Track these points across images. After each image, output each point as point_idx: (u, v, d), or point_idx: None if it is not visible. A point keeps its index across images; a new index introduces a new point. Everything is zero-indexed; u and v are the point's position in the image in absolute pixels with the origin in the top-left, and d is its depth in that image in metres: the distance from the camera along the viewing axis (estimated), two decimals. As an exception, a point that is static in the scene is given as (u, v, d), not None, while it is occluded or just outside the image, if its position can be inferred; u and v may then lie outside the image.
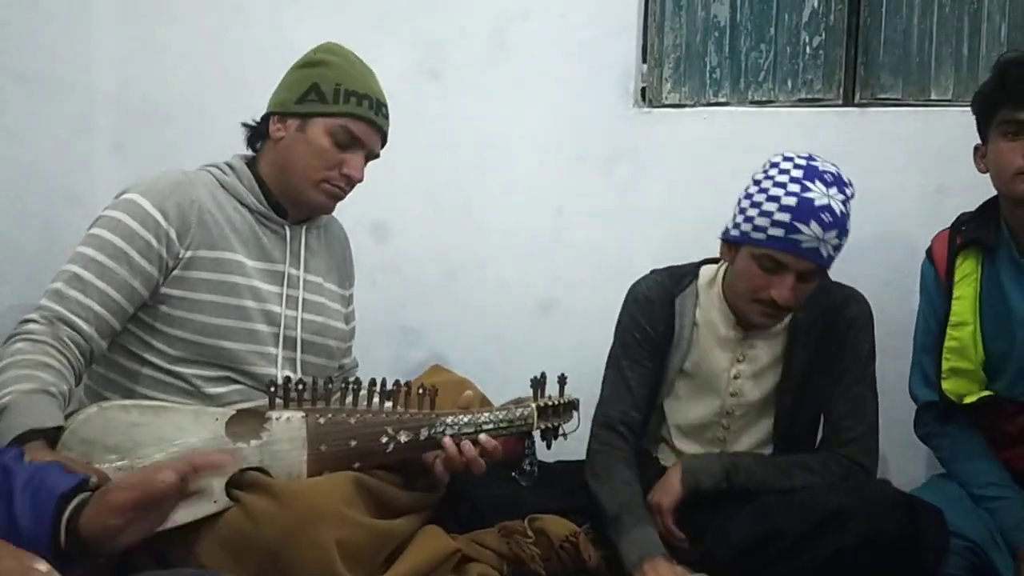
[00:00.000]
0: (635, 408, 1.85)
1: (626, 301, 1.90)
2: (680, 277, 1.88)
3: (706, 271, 1.89)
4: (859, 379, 1.81)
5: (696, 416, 1.87)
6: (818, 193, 1.64)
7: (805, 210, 1.63)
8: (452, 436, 1.58)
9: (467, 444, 1.58)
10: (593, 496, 1.77)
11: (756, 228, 1.67)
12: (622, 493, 1.74)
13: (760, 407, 1.85)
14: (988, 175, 1.80)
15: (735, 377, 1.84)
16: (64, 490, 1.21)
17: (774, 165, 1.72)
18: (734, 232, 1.73)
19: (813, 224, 1.63)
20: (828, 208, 1.64)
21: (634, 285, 1.91)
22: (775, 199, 1.66)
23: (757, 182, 1.72)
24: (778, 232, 1.65)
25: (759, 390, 1.84)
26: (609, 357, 1.91)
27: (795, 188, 1.65)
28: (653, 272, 1.92)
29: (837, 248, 1.69)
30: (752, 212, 1.68)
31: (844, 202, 1.67)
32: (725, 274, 1.84)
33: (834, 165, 1.72)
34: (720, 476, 1.74)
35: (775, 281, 1.68)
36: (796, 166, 1.69)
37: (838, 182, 1.68)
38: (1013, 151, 1.72)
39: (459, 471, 1.60)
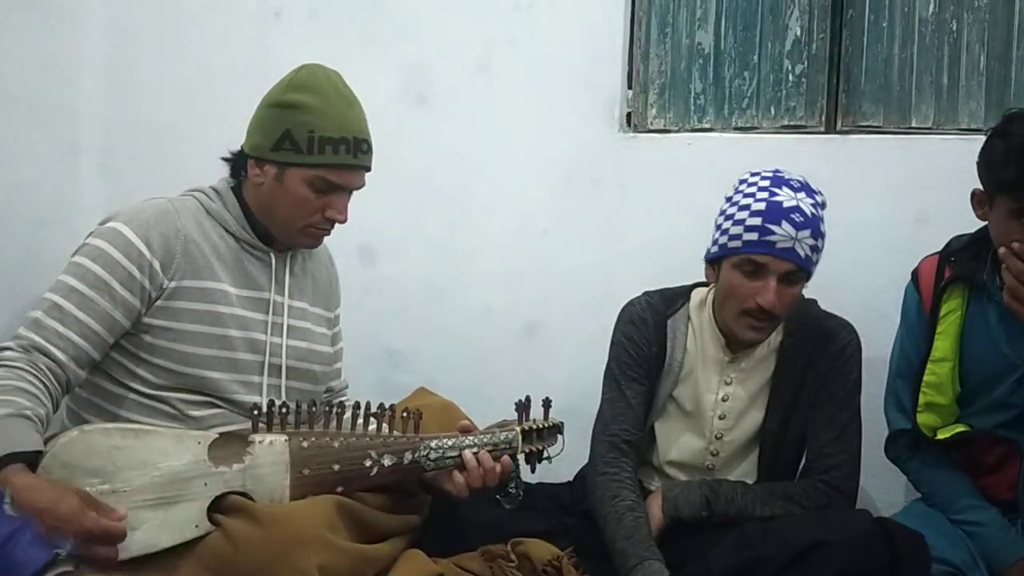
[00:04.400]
0: (636, 426, 1.84)
1: (620, 320, 1.90)
2: (672, 299, 1.90)
3: (697, 294, 1.90)
4: (845, 407, 1.81)
5: (684, 442, 1.86)
6: (786, 196, 1.70)
7: (775, 211, 1.68)
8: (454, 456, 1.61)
9: (484, 455, 1.61)
10: (598, 520, 1.75)
11: (732, 237, 1.72)
12: (626, 521, 1.71)
13: (748, 431, 1.85)
14: (967, 198, 1.74)
15: (723, 399, 1.84)
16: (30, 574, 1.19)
17: (742, 181, 1.79)
18: (714, 249, 1.77)
19: (785, 224, 1.67)
20: (798, 209, 1.68)
21: (627, 305, 1.91)
22: (746, 207, 1.71)
23: (729, 198, 1.78)
24: (752, 236, 1.69)
25: (747, 413, 1.84)
26: (605, 377, 1.90)
27: (764, 195, 1.71)
28: (645, 293, 1.93)
29: (814, 249, 1.71)
30: (727, 224, 1.73)
31: (814, 206, 1.71)
32: (715, 297, 1.85)
33: (802, 177, 1.77)
34: (700, 505, 1.74)
35: (758, 286, 1.70)
36: (763, 178, 1.76)
37: (806, 188, 1.74)
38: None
39: (478, 485, 1.62)
